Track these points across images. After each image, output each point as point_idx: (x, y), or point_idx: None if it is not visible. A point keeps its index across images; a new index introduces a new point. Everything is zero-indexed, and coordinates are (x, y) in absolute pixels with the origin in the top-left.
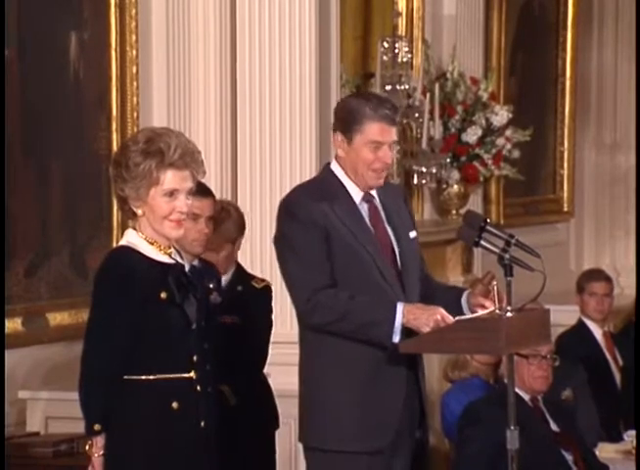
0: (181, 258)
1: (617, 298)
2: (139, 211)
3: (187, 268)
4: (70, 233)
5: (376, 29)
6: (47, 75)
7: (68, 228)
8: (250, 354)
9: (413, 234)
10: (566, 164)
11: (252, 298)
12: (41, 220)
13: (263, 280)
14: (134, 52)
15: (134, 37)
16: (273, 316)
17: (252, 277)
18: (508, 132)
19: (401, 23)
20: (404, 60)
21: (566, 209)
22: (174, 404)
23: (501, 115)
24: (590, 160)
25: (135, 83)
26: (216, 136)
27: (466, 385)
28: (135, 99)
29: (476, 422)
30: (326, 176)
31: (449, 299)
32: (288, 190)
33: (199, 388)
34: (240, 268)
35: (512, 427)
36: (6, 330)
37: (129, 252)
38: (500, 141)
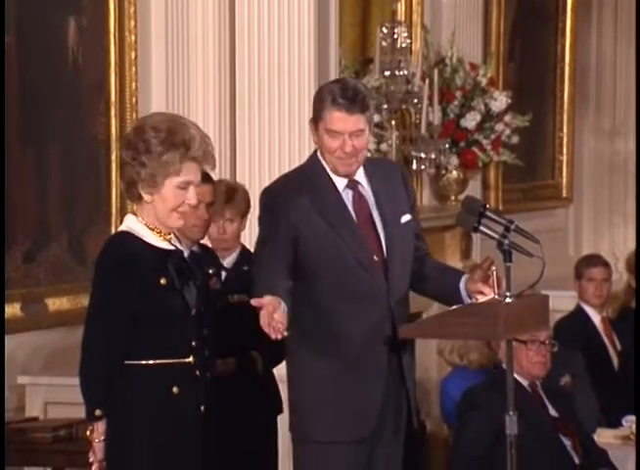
0: (180, 243)
1: (615, 283)
2: (147, 197)
3: (186, 254)
4: (69, 219)
5: (375, 15)
6: (46, 61)
7: (67, 214)
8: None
9: (405, 218)
10: (565, 150)
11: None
12: (40, 206)
13: None
14: (133, 37)
15: (133, 23)
16: None
17: None
18: (507, 118)
19: (400, 8)
20: (403, 45)
21: (564, 194)
22: (175, 389)
23: (500, 100)
24: (589, 145)
25: (134, 69)
26: (215, 121)
27: (465, 371)
28: (134, 84)
29: (474, 407)
30: (311, 164)
31: (446, 283)
32: None
33: (197, 373)
34: (244, 249)
35: (511, 412)
36: (5, 315)
37: (130, 237)
38: (499, 127)
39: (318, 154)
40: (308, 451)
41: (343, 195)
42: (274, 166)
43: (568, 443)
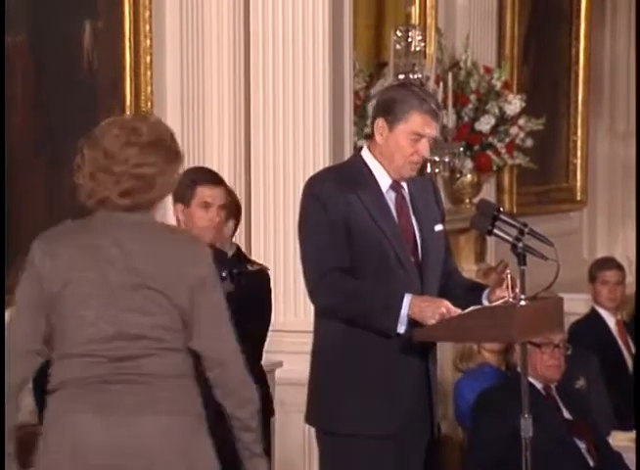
0: None
1: (629, 286)
2: None
3: None
4: None
5: (389, 18)
6: (61, 65)
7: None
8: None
9: (439, 227)
10: (579, 153)
11: (247, 281)
12: (53, 211)
13: (260, 265)
14: (148, 41)
15: (148, 27)
16: (273, 302)
17: (250, 262)
18: (521, 121)
19: (414, 11)
20: (417, 49)
21: (579, 197)
22: None
23: (514, 103)
24: (603, 148)
25: (149, 73)
26: (230, 124)
27: (478, 373)
28: (149, 88)
29: (489, 410)
30: (355, 162)
31: (470, 301)
32: (301, 180)
33: None
34: (239, 251)
35: (526, 415)
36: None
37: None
38: (513, 130)
39: (363, 154)
40: (334, 444)
41: (387, 196)
42: (288, 170)
43: (582, 445)
